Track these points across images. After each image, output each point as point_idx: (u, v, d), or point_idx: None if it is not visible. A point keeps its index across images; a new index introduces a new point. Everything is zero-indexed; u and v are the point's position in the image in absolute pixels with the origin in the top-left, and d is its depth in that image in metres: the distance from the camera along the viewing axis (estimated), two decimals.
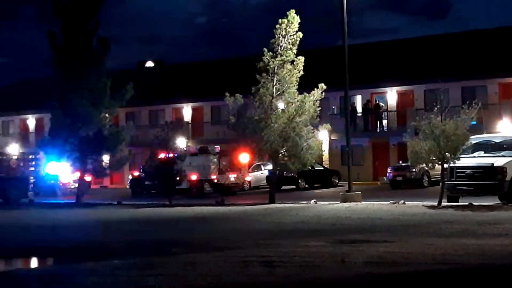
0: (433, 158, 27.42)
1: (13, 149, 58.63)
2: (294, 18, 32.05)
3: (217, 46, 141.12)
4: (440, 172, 28.24)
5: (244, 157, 40.74)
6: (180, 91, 59.14)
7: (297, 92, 32.44)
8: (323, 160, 48.29)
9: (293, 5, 32.83)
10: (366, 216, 24.35)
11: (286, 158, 32.78)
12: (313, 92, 32.37)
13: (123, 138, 40.37)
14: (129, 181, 51.00)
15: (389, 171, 42.75)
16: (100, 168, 41.21)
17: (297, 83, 32.39)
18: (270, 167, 37.53)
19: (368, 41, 62.83)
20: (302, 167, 33.67)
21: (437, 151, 26.98)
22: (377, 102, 50.23)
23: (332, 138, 48.23)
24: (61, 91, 39.65)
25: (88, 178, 42.54)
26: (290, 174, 42.26)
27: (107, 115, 40.62)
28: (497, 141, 29.03)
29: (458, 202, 27.65)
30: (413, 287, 11.48)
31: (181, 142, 41.66)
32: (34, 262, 18.32)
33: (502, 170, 26.69)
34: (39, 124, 64.37)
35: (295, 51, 32.23)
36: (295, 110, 32.09)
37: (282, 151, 32.64)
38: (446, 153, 26.92)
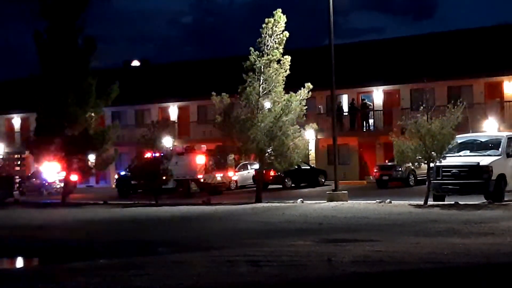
0: (419, 157, 27.48)
1: None
2: (280, 18, 32.06)
3: (203, 46, 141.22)
4: (426, 171, 28.30)
5: (230, 157, 40.65)
6: (166, 91, 59.06)
7: (284, 92, 32.44)
8: (310, 159, 48.33)
9: (280, 4, 32.83)
10: (353, 215, 24.37)
11: (272, 158, 32.76)
12: (299, 91, 32.38)
13: (109, 138, 40.27)
14: (115, 180, 50.88)
15: (375, 170, 42.85)
16: (86, 167, 41.09)
17: (284, 83, 32.39)
18: (256, 166, 37.53)
19: (354, 41, 62.88)
20: (288, 166, 33.66)
21: (423, 150, 27.04)
22: (364, 101, 50.29)
23: (319, 137, 48.28)
24: (46, 90, 39.50)
25: (74, 177, 42.40)
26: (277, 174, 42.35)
27: (92, 114, 40.50)
28: (483, 140, 29.13)
29: (444, 201, 27.73)
30: (400, 286, 11.49)
31: (168, 142, 41.58)
32: (19, 262, 18.24)
33: (487, 169, 26.79)
34: (24, 123, 64.07)
35: (281, 51, 32.23)
36: (281, 109, 32.09)
37: (268, 151, 32.63)
38: (432, 152, 26.98)
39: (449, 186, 27.50)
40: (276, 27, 32.00)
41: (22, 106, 59.40)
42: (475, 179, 26.82)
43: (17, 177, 46.55)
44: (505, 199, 27.20)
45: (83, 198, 41.95)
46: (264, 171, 36.03)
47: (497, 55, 46.25)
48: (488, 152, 27.87)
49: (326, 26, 33.09)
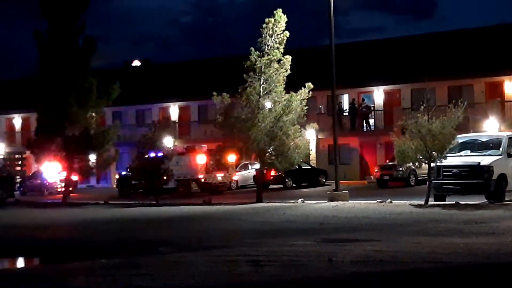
0: (420, 157, 27.45)
1: None
2: (281, 17, 32.06)
3: (203, 45, 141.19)
4: (427, 171, 28.29)
5: (231, 157, 40.73)
6: (167, 90, 59.07)
7: (284, 91, 32.44)
8: (310, 159, 48.32)
9: (280, 4, 32.82)
10: (354, 215, 24.36)
11: (273, 157, 32.75)
12: (300, 91, 32.38)
13: (110, 138, 40.27)
14: (116, 180, 50.88)
15: (376, 170, 42.83)
16: (87, 167, 41.10)
17: (284, 82, 32.40)
18: (257, 166, 37.53)
19: (355, 41, 62.91)
20: (289, 166, 33.65)
21: (424, 150, 27.02)
22: (366, 103, 50.04)
23: (319, 137, 48.27)
24: (47, 90, 39.51)
25: (74, 177, 42.37)
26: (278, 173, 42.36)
27: (93, 114, 40.50)
28: (484, 140, 29.11)
29: (445, 201, 27.72)
30: (401, 286, 11.49)
31: (168, 142, 41.58)
32: (20, 262, 18.24)
33: (488, 169, 26.77)
34: (25, 123, 64.06)
35: (282, 50, 32.23)
36: (282, 109, 32.09)
37: (269, 150, 32.62)
38: (433, 152, 26.96)
39: (450, 186, 27.48)
40: (276, 27, 32.01)
41: (23, 106, 59.38)
42: (476, 179, 26.79)
43: (17, 177, 46.59)
44: (506, 199, 27.20)
45: (83, 198, 41.94)
46: (265, 171, 36.02)
47: (498, 54, 46.24)
48: (489, 152, 27.85)
49: (327, 26, 33.09)
